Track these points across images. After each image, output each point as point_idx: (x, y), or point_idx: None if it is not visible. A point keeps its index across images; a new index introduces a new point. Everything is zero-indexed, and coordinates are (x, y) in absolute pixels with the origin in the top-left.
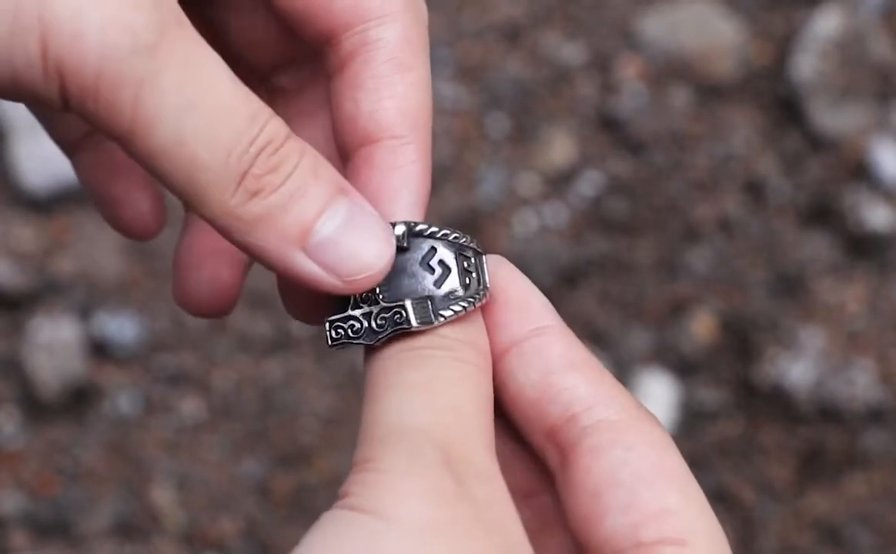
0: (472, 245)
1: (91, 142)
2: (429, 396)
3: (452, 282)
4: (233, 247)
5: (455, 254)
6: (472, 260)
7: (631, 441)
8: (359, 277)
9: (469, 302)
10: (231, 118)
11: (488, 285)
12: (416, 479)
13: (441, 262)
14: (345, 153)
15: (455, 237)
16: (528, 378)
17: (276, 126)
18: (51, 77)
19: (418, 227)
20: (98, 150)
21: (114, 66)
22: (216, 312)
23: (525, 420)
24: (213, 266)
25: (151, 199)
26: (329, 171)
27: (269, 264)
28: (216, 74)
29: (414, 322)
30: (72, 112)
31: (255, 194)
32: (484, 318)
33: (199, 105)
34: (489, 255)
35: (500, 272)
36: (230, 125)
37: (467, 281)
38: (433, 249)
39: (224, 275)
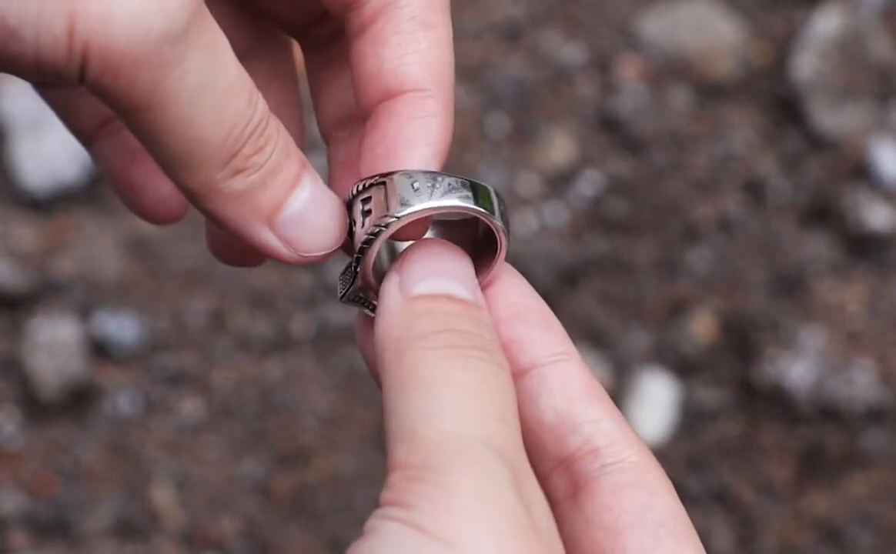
0: (373, 180)
1: (108, 130)
2: (480, 403)
3: (356, 237)
4: None
5: (358, 201)
6: (375, 195)
7: (655, 486)
8: (314, 254)
9: (356, 258)
10: (236, 100)
11: (391, 208)
12: (489, 505)
13: (353, 222)
14: (365, 109)
15: (356, 188)
16: (550, 403)
17: (263, 106)
18: (74, 56)
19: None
20: (116, 138)
21: (143, 48)
22: (250, 261)
23: (536, 445)
24: None
25: (172, 184)
26: (295, 148)
27: (231, 233)
28: (227, 56)
29: (339, 294)
30: (83, 86)
31: (239, 172)
32: (499, 331)
33: (212, 85)
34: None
35: (517, 286)
36: (234, 107)
37: (364, 224)
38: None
39: None
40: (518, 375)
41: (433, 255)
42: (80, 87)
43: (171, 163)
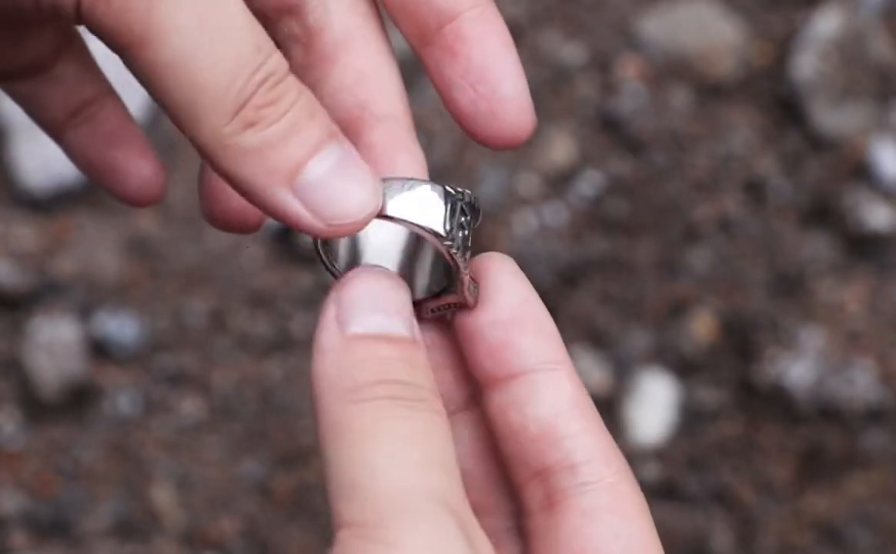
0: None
1: (83, 117)
2: (421, 453)
3: None
4: None
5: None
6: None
7: (628, 511)
8: (343, 223)
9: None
10: (239, 43)
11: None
12: None
13: None
14: (422, 40)
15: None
16: (535, 413)
17: (278, 60)
18: None
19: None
20: (92, 123)
21: None
22: (244, 226)
23: (516, 452)
24: None
25: (153, 164)
26: (324, 115)
27: (251, 198)
28: None
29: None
30: (82, 23)
31: (250, 125)
32: (494, 332)
33: (211, 23)
34: (492, 254)
35: (516, 287)
36: (237, 50)
37: None
38: None
39: None
40: (507, 379)
41: (372, 285)
42: (78, 24)
43: (177, 112)
